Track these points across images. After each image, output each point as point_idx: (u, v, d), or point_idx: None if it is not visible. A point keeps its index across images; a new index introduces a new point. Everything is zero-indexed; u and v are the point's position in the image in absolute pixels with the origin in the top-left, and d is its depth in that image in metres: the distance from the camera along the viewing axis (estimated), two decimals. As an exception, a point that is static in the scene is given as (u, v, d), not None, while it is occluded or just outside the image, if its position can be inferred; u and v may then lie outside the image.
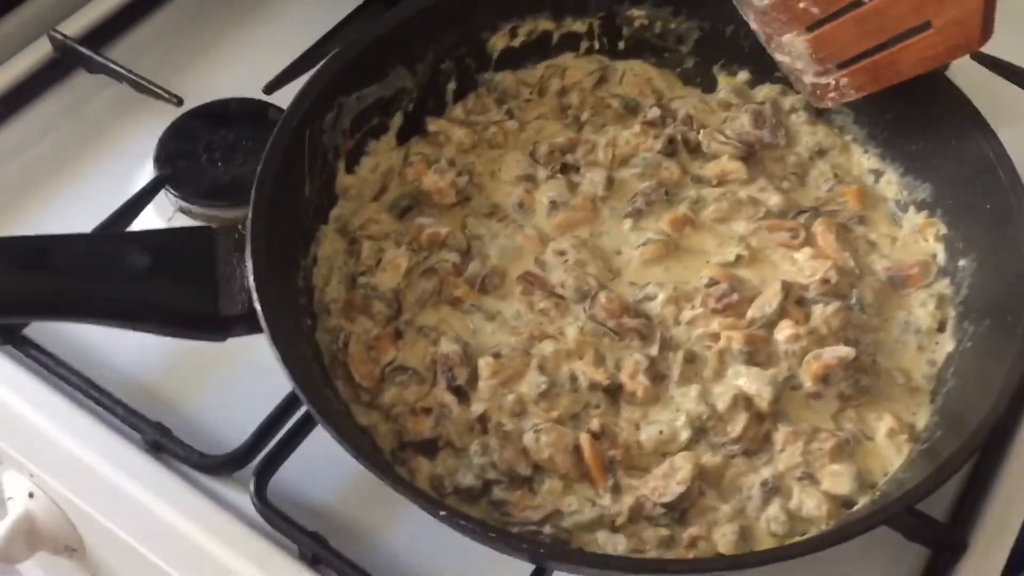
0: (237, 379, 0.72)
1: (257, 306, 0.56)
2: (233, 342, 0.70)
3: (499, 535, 0.53)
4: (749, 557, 0.54)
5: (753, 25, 0.70)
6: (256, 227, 0.59)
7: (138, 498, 0.67)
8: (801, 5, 0.64)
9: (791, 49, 0.68)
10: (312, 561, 0.64)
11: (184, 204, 0.79)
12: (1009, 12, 0.94)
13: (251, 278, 0.57)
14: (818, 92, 0.69)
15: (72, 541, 0.77)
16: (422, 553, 0.65)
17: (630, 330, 0.64)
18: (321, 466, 0.68)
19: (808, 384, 0.62)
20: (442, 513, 0.51)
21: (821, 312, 0.64)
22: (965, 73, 0.86)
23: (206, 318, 0.58)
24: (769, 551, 0.56)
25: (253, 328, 0.58)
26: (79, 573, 0.83)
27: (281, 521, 0.64)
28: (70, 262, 0.56)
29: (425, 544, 0.65)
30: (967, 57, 0.86)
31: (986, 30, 0.60)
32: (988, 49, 0.85)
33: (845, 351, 0.62)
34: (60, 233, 0.58)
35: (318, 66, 0.68)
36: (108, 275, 0.56)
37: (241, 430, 0.68)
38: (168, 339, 0.71)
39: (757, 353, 0.63)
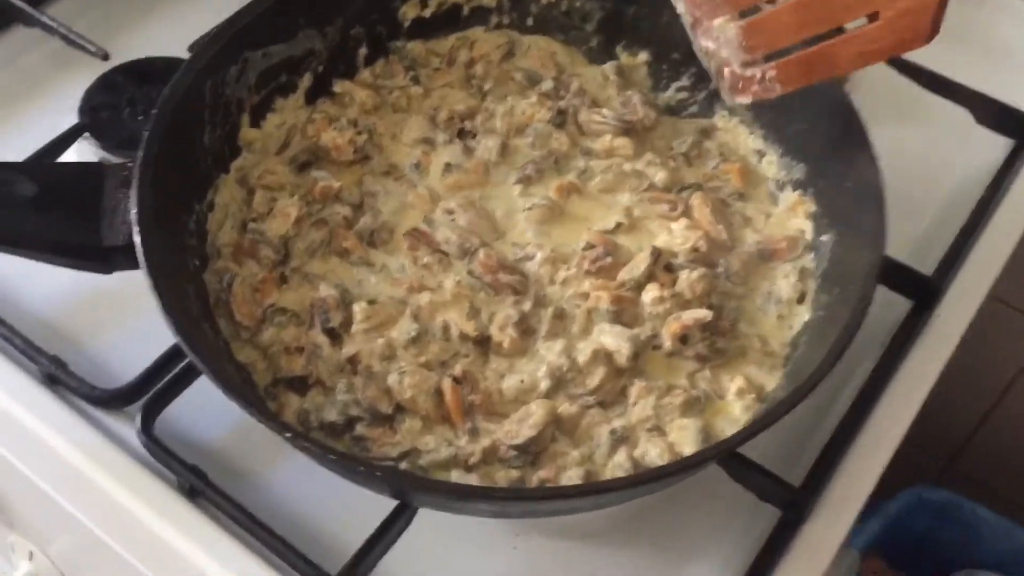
0: (139, 318, 0.73)
1: (136, 238, 0.59)
2: (135, 284, 0.73)
3: (341, 458, 0.55)
4: (581, 488, 0.57)
5: (680, 7, 0.64)
6: (144, 166, 0.62)
7: (32, 428, 0.69)
8: None
9: (720, 34, 0.62)
10: (191, 493, 0.66)
11: (103, 153, 0.82)
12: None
13: (133, 211, 0.60)
14: (740, 85, 0.64)
15: (-27, 471, 0.79)
16: (297, 494, 0.67)
17: (505, 285, 0.67)
18: (210, 407, 0.70)
19: (668, 344, 0.65)
20: (288, 435, 0.53)
21: (687, 277, 0.67)
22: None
23: (88, 248, 0.61)
24: (598, 483, 0.59)
25: (135, 262, 0.60)
26: (-19, 506, 0.85)
27: (163, 454, 0.66)
28: (-45, 187, 0.58)
29: (301, 486, 0.68)
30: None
31: (936, 26, 0.56)
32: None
33: (703, 313, 0.65)
34: (-50, 159, 0.61)
35: (225, 19, 0.71)
36: (-9, 201, 0.59)
37: (139, 367, 0.71)
38: (73, 278, 0.75)
39: (623, 313, 0.66)
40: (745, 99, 0.65)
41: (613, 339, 0.64)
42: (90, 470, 0.68)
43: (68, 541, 0.79)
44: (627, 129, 0.76)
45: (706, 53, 0.64)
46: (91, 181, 0.62)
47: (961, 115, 0.87)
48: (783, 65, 0.61)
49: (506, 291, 0.67)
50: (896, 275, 0.75)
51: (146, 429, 0.67)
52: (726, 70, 0.63)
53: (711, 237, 0.69)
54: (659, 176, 0.73)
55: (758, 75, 0.62)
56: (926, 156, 0.87)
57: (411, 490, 0.57)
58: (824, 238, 0.69)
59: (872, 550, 1.42)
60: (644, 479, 0.55)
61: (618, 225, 0.71)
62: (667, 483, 0.58)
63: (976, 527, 1.45)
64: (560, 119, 0.76)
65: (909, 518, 1.44)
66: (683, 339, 0.65)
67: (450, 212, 0.71)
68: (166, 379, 0.69)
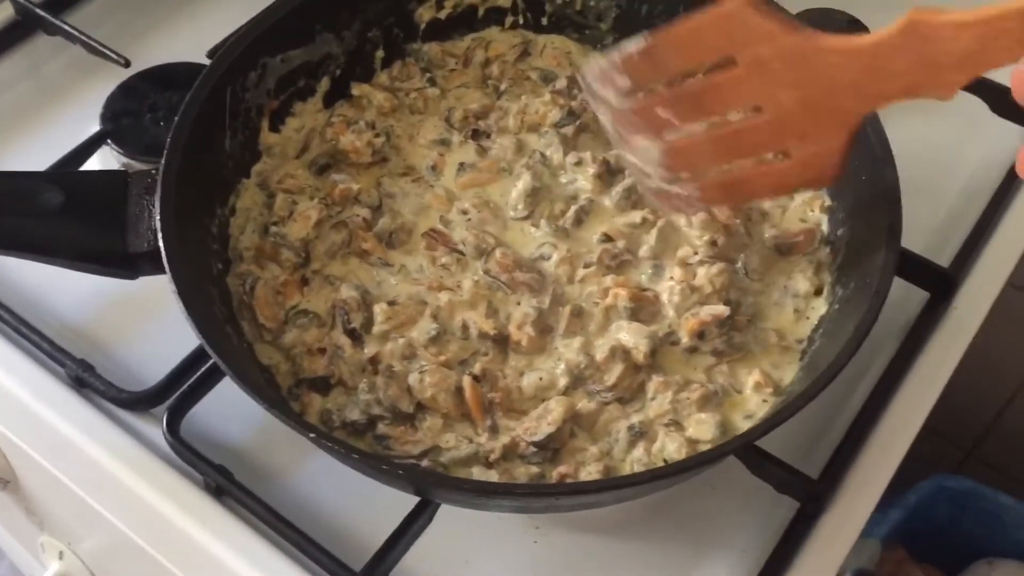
0: (163, 322, 0.74)
1: (160, 244, 0.60)
2: (160, 289, 0.74)
3: (364, 457, 0.56)
4: (601, 483, 0.58)
5: (604, 119, 0.64)
6: (167, 172, 0.63)
7: (60, 430, 0.71)
8: (661, 113, 0.60)
9: (643, 152, 0.62)
10: (217, 492, 0.68)
11: (125, 159, 0.83)
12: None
13: (157, 217, 0.61)
14: (665, 200, 0.65)
15: (5, 473, 0.81)
16: (320, 492, 0.69)
17: (521, 284, 0.68)
18: (235, 407, 0.70)
19: (685, 339, 0.66)
20: (312, 436, 0.55)
21: (706, 272, 0.67)
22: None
23: (113, 255, 0.62)
24: (618, 478, 0.59)
25: (160, 267, 0.61)
26: (15, 506, 0.87)
27: (189, 454, 0.68)
28: (-16, 197, 0.60)
29: (324, 485, 0.69)
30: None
31: (840, 169, 0.59)
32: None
33: (721, 309, 0.65)
34: (-23, 171, 0.62)
35: (243, 26, 0.72)
36: (21, 210, 0.61)
37: (163, 370, 0.72)
38: (99, 283, 0.76)
39: (641, 310, 0.67)
40: (667, 210, 0.67)
41: (631, 336, 0.65)
42: (118, 471, 0.69)
43: (97, 540, 0.81)
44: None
45: (631, 167, 0.65)
46: (116, 188, 0.63)
47: (976, 105, 0.87)
48: (704, 186, 0.62)
49: (523, 289, 0.68)
50: (913, 267, 0.75)
51: (172, 430, 0.68)
52: (650, 183, 0.64)
53: (730, 231, 0.70)
54: None
55: (680, 192, 0.63)
56: (941, 147, 0.87)
57: (434, 487, 0.58)
58: (840, 232, 0.69)
59: (893, 539, 1.42)
60: (663, 473, 0.55)
61: (643, 220, 0.71)
62: (686, 476, 0.59)
63: (998, 515, 1.44)
64: (571, 119, 0.77)
65: (930, 507, 1.43)
66: (700, 335, 0.65)
67: (465, 212, 0.72)
68: (191, 381, 0.71)
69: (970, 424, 1.76)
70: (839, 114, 0.56)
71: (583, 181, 0.74)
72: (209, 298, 0.64)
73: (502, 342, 0.66)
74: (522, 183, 0.73)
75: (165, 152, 0.64)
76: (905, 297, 0.76)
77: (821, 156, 0.58)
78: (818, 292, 0.69)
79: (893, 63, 0.52)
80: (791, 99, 0.56)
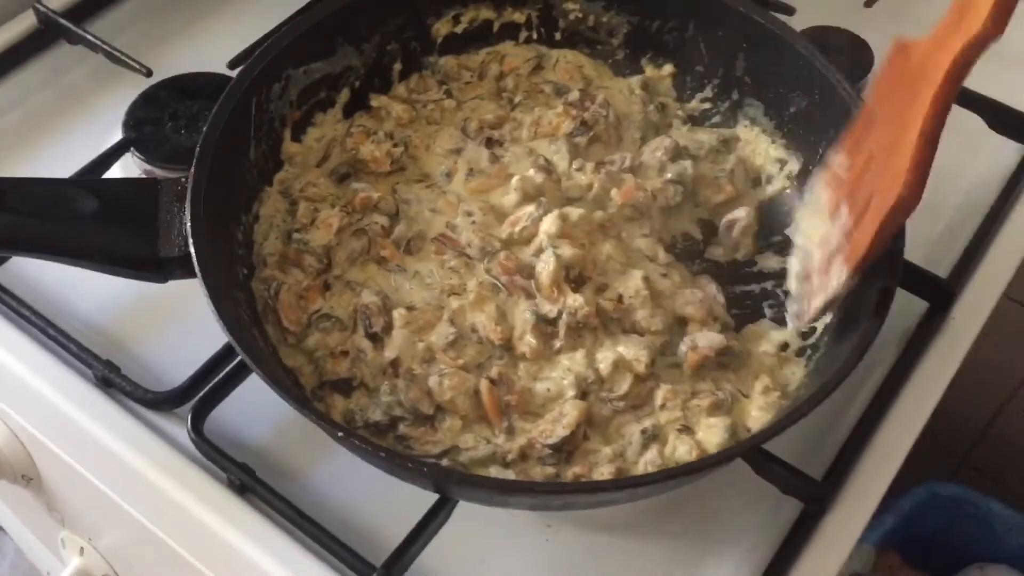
0: (186, 324, 0.77)
1: (191, 249, 0.62)
2: (183, 292, 0.76)
3: (390, 455, 0.59)
4: (617, 482, 0.60)
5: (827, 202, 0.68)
6: (197, 181, 0.65)
7: (87, 429, 0.73)
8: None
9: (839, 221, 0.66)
10: (240, 489, 0.70)
11: (147, 167, 0.85)
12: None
13: (188, 223, 0.63)
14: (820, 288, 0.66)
15: (29, 471, 0.83)
16: (340, 490, 0.70)
17: (519, 288, 0.70)
18: (257, 407, 0.73)
19: (688, 371, 0.68)
20: (340, 434, 0.57)
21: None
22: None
23: (145, 259, 0.64)
24: (633, 477, 0.62)
25: (190, 271, 0.64)
26: (36, 503, 0.89)
27: (213, 452, 0.70)
28: (23, 202, 0.62)
29: (343, 482, 0.71)
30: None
31: (913, 189, 0.59)
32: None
33: (718, 340, 0.67)
34: (16, 176, 0.64)
35: (266, 39, 0.74)
36: (57, 216, 0.63)
37: (186, 371, 0.74)
38: (124, 286, 0.78)
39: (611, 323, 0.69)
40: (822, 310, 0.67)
41: (630, 348, 0.67)
42: (143, 468, 0.71)
43: (120, 536, 0.83)
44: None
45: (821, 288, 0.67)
46: (148, 196, 0.65)
47: (975, 121, 0.90)
48: (848, 252, 0.64)
49: (519, 294, 0.70)
50: (912, 278, 0.77)
51: (196, 429, 0.70)
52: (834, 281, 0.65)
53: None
54: None
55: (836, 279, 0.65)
56: (940, 162, 0.88)
57: (458, 485, 0.61)
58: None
59: (887, 544, 1.44)
60: (676, 473, 0.58)
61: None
62: (696, 477, 0.61)
63: (989, 522, 1.46)
64: (584, 129, 0.79)
65: (923, 513, 1.45)
66: (702, 365, 0.67)
67: (469, 214, 0.74)
68: (214, 381, 0.73)
69: (963, 431, 1.78)
70: (901, 114, 0.61)
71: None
72: (236, 302, 0.67)
73: (512, 348, 0.68)
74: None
75: (194, 160, 0.66)
76: (905, 306, 0.78)
77: (893, 178, 0.60)
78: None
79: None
80: (883, 122, 0.63)
